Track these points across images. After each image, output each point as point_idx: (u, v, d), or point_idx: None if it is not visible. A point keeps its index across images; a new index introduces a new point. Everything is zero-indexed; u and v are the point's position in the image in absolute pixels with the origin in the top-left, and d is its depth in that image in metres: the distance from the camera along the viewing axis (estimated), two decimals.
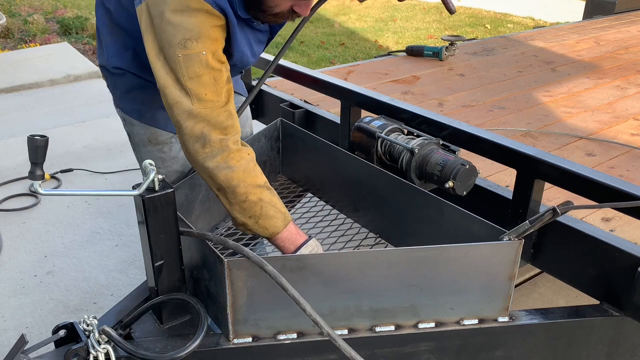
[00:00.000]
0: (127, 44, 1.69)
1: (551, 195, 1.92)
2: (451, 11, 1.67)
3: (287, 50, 1.83)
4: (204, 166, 1.45)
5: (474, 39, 4.68)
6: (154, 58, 1.43)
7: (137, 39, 1.54)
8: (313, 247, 1.54)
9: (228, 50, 1.51)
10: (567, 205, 1.39)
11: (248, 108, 2.10)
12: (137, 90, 1.77)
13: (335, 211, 2.13)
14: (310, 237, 1.56)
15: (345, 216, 2.07)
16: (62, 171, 3.81)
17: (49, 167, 3.69)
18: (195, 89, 1.41)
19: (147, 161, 1.33)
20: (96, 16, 1.74)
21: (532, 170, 1.66)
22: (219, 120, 1.44)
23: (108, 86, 1.86)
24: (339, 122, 2.29)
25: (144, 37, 1.44)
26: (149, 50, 1.43)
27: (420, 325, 1.42)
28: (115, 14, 1.66)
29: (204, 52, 1.38)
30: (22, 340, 1.26)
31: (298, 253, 1.51)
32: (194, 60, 1.38)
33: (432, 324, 1.43)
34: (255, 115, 2.77)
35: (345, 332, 1.40)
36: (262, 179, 1.52)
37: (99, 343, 1.28)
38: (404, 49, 3.84)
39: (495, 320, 1.45)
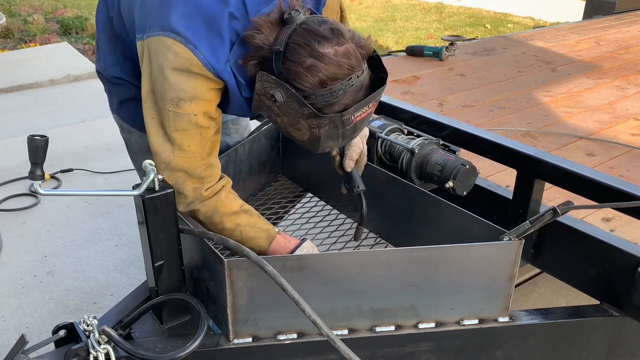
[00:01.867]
0: (127, 54, 1.64)
1: (551, 195, 1.92)
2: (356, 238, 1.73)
3: None
4: (178, 209, 1.45)
5: (474, 39, 4.68)
6: (145, 95, 1.41)
7: (135, 52, 1.51)
8: (308, 249, 1.54)
9: (223, 108, 1.48)
10: (567, 205, 1.39)
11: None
12: (135, 100, 1.71)
13: (335, 211, 2.13)
14: (303, 240, 1.56)
15: (345, 216, 2.07)
16: (62, 171, 3.81)
17: (49, 167, 3.69)
18: (179, 140, 1.39)
19: (147, 161, 1.33)
20: (96, 23, 1.71)
21: (532, 170, 1.66)
22: (196, 172, 1.44)
23: (105, 91, 1.84)
24: None
25: (141, 69, 1.41)
26: (143, 84, 1.41)
27: (421, 326, 1.42)
28: (117, 24, 1.62)
29: (195, 114, 1.37)
30: (22, 340, 1.26)
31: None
32: (184, 118, 1.37)
33: (432, 324, 1.43)
34: (256, 116, 2.76)
35: (346, 332, 1.40)
36: (237, 204, 1.52)
37: (99, 343, 1.28)
38: (404, 49, 3.83)
39: (496, 320, 1.45)
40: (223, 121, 1.70)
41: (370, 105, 1.32)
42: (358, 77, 1.27)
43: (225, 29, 1.33)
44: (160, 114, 1.40)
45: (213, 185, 1.49)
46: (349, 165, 1.69)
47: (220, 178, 1.53)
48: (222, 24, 1.33)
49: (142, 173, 1.77)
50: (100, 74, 1.77)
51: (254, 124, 2.35)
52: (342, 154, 1.70)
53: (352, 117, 1.30)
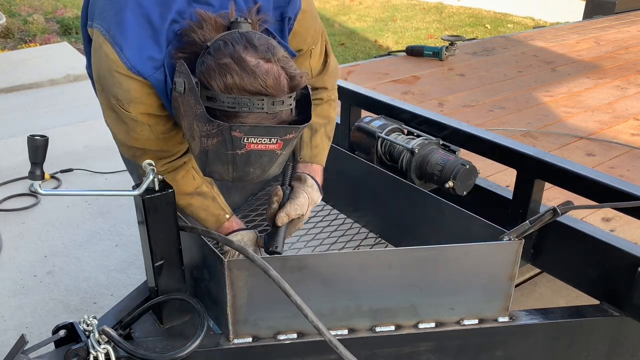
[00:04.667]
0: None
1: (551, 195, 1.92)
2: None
3: None
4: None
5: (474, 39, 4.68)
6: (95, 79, 1.38)
7: None
8: (241, 237, 1.53)
9: None
10: (567, 205, 1.40)
11: None
12: None
13: (335, 211, 2.13)
14: (244, 229, 1.55)
15: (345, 216, 2.07)
16: (62, 171, 3.81)
17: (49, 167, 3.68)
18: (132, 125, 1.36)
19: (147, 161, 1.33)
20: (81, 22, 1.67)
21: (532, 170, 1.66)
22: (152, 150, 1.42)
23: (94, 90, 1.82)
24: (339, 122, 2.29)
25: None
26: (92, 67, 1.38)
27: (421, 325, 1.42)
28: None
29: (134, 116, 1.34)
30: (22, 340, 1.26)
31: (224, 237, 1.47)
32: (127, 115, 1.35)
33: (432, 324, 1.43)
34: None
35: (346, 332, 1.40)
36: (193, 185, 1.51)
37: (99, 343, 1.28)
38: (404, 49, 3.83)
39: (496, 320, 1.45)
40: None
41: (274, 141, 1.16)
42: (273, 104, 1.14)
43: (164, 32, 1.27)
44: (108, 101, 1.36)
45: (171, 161, 1.46)
46: (282, 219, 1.49)
47: (184, 154, 1.49)
48: (162, 26, 1.26)
49: (136, 176, 1.77)
50: (89, 75, 1.75)
51: None
52: (281, 206, 1.52)
53: (245, 140, 1.14)
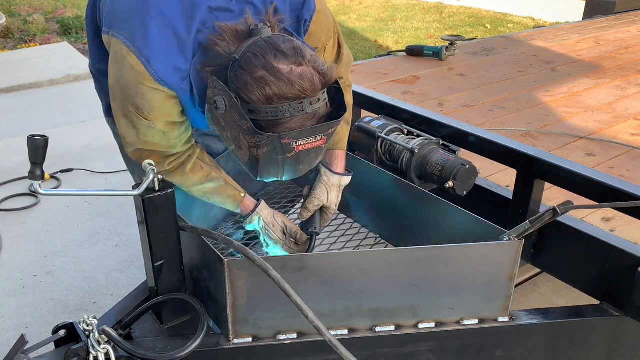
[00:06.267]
0: None
1: (551, 195, 1.92)
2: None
3: None
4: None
5: (474, 39, 4.68)
6: (111, 86, 1.39)
7: None
8: (268, 212, 1.60)
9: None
10: (567, 205, 1.39)
11: None
12: None
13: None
14: (259, 202, 1.60)
15: (345, 216, 2.07)
16: (62, 171, 3.81)
17: (49, 167, 3.68)
18: (143, 131, 1.38)
19: (147, 161, 1.33)
20: (86, 19, 1.68)
21: (532, 170, 1.66)
22: (161, 152, 1.44)
23: (96, 90, 1.80)
24: None
25: (109, 58, 1.39)
26: (109, 75, 1.39)
27: (420, 325, 1.42)
28: (102, 19, 1.57)
29: (154, 124, 1.36)
30: (22, 340, 1.26)
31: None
32: (144, 123, 1.36)
33: (432, 324, 1.43)
34: None
35: (346, 332, 1.40)
36: (202, 175, 1.52)
37: (99, 343, 1.28)
38: (404, 49, 3.83)
39: (496, 320, 1.45)
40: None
41: (319, 138, 1.23)
42: (311, 103, 1.19)
43: (190, 43, 1.29)
44: (123, 109, 1.37)
45: (176, 158, 1.48)
46: (302, 215, 1.64)
47: (188, 148, 1.51)
48: (187, 37, 1.29)
49: (137, 176, 1.78)
50: (91, 72, 1.75)
51: None
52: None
53: (294, 144, 1.21)
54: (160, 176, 1.35)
